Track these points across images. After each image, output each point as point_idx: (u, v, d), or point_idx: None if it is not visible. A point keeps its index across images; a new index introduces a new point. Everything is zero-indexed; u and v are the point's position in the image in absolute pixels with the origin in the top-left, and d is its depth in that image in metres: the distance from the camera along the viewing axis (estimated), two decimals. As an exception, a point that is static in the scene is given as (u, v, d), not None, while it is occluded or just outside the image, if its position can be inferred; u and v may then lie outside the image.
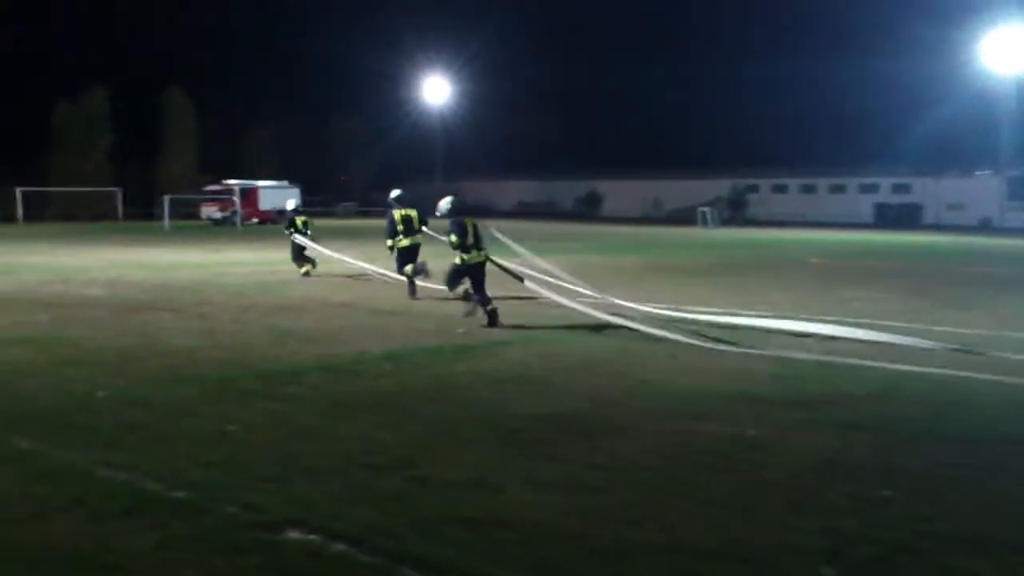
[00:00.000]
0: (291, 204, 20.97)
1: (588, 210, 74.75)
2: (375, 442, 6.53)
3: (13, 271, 20.04)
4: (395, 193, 16.48)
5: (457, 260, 13.02)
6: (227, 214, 57.27)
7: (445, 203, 13.63)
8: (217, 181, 61.50)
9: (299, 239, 19.66)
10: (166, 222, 53.74)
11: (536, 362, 9.68)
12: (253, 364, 9.40)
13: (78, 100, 70.67)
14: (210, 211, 58.60)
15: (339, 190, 77.89)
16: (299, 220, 19.89)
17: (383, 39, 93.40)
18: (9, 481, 5.54)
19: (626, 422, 7.24)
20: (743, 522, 5.08)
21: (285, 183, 62.61)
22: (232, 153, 75.71)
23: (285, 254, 22.04)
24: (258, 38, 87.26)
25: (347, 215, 71.67)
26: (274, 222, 58.22)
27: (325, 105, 79.98)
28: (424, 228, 16.25)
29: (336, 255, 19.91)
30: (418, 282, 15.60)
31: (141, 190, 68.22)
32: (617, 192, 76.13)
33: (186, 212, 60.25)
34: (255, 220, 58.02)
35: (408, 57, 75.99)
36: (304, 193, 63.70)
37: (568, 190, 79.40)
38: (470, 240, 12.93)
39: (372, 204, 78.83)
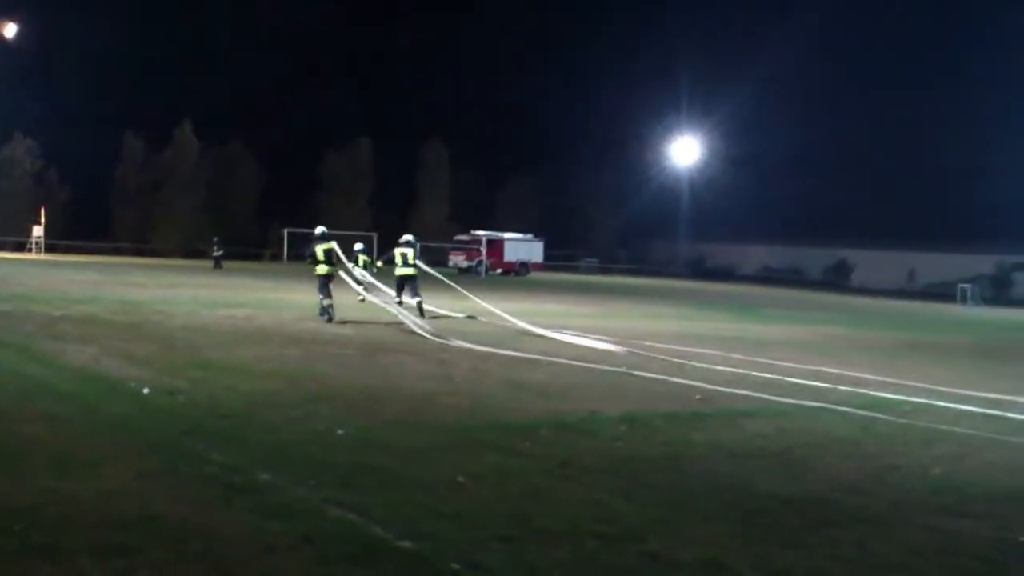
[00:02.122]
0: (358, 246, 24.72)
1: (836, 280, 71.79)
2: (607, 509, 6.22)
3: (274, 307, 21.29)
4: (319, 230, 20.05)
5: (316, 271, 18.94)
6: (473, 263, 59.05)
7: (316, 232, 19.87)
8: (467, 231, 63.65)
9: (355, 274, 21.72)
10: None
11: (776, 436, 9.09)
12: (488, 415, 9.34)
13: (346, 149, 75.65)
14: (457, 259, 60.65)
15: (583, 246, 78.70)
16: (363, 259, 23.96)
17: (633, 100, 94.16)
18: (246, 514, 5.62)
19: (874, 512, 6.58)
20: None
21: (530, 236, 63.97)
22: (483, 205, 78.41)
23: (524, 305, 22.32)
24: (511, 97, 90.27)
25: (589, 271, 72.14)
26: (517, 273, 59.54)
27: (573, 163, 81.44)
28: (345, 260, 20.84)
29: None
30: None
31: (395, 236, 71.63)
32: (868, 262, 72.72)
33: (434, 259, 62.65)
34: (499, 270, 59.49)
35: (657, 118, 76.21)
36: (548, 247, 64.92)
37: (816, 258, 76.69)
38: (321, 258, 18.96)
39: (615, 261, 79.17)
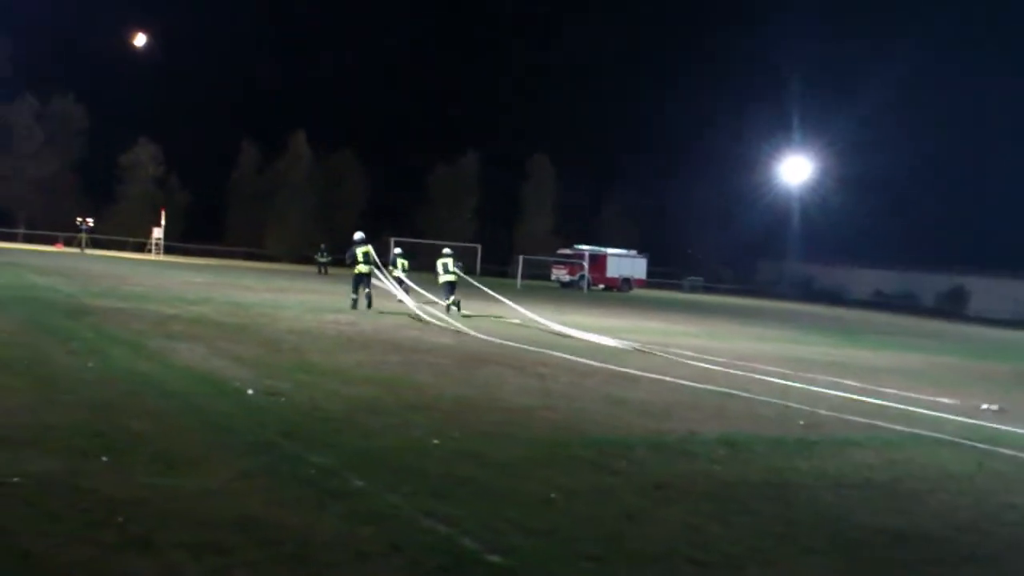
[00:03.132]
0: (397, 250, 27.72)
1: (951, 307, 69.23)
2: (703, 534, 6.04)
3: (375, 315, 21.54)
4: (359, 235, 23.45)
5: (355, 271, 22.68)
6: (575, 278, 58.87)
7: (356, 237, 23.29)
8: (569, 245, 63.50)
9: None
10: (518, 280, 56.25)
11: (885, 467, 8.75)
12: (584, 431, 9.22)
13: (453, 162, 76.53)
14: (559, 274, 60.54)
15: (687, 264, 77.73)
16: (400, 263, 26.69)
17: (743, 118, 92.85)
18: (339, 519, 5.64)
19: (989, 552, 6.28)
20: None
21: (633, 252, 63.46)
22: (586, 220, 78.21)
23: (627, 322, 22.17)
24: (621, 112, 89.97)
25: (693, 290, 71.16)
26: (620, 289, 59.13)
27: (680, 179, 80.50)
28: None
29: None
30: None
31: (499, 248, 72.26)
32: (987, 290, 69.95)
33: (537, 273, 62.64)
34: (601, 286, 59.16)
35: (767, 136, 74.81)
36: (651, 264, 64.32)
37: (930, 284, 74.16)
38: (360, 259, 22.63)
39: (720, 280, 78.01)
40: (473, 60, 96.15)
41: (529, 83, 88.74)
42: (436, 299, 24.18)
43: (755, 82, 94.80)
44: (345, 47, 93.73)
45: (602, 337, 19.73)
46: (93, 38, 65.73)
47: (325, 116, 77.59)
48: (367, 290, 22.64)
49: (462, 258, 71.29)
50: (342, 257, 26.99)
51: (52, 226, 60.66)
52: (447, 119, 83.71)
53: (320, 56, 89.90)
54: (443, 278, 24.22)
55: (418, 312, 21.79)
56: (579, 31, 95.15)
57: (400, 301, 23.36)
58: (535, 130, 79.45)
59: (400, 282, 25.38)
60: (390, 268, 25.72)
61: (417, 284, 25.71)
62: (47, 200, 65.44)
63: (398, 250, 27.57)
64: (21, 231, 63.40)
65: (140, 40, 57.39)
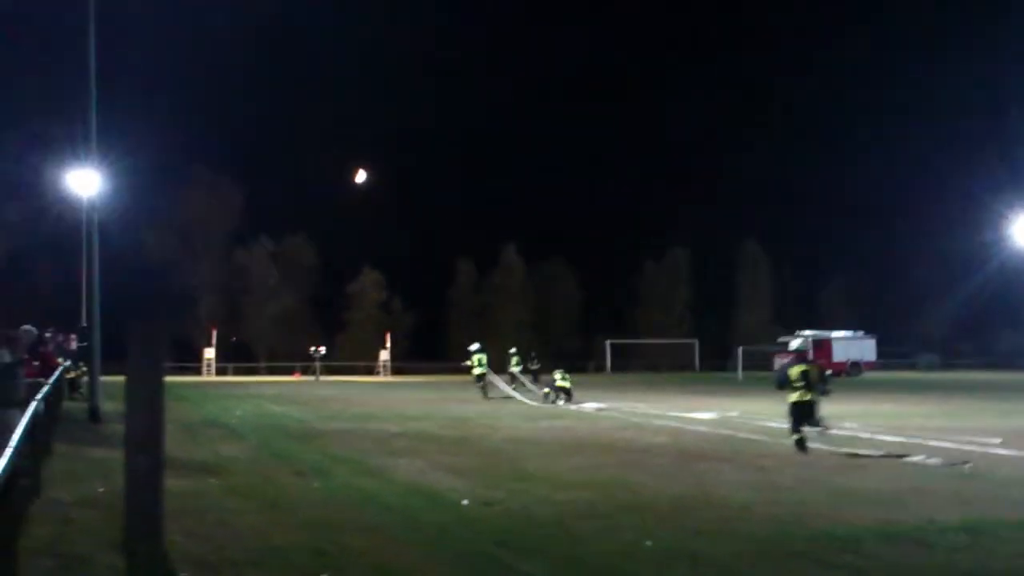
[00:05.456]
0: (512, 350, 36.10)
1: None
2: (940, 631, 5.54)
3: (590, 418, 21.49)
4: (475, 346, 32.61)
5: (473, 373, 31.46)
6: (799, 365, 56.68)
7: (471, 348, 31.82)
8: (791, 333, 61.46)
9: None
10: (739, 373, 54.93)
11: None
12: (807, 525, 8.72)
13: (662, 259, 76.54)
14: (782, 362, 58.45)
15: (920, 341, 73.38)
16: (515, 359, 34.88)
17: (962, 178, 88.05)
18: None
19: None
20: None
21: (860, 333, 60.69)
22: (805, 304, 75.78)
23: (856, 407, 21.19)
24: (827, 191, 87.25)
25: (928, 368, 67.02)
26: (848, 374, 56.47)
27: (900, 253, 76.68)
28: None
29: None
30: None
31: (716, 341, 70.89)
32: None
33: (759, 364, 60.89)
34: (828, 372, 56.70)
35: (993, 194, 70.28)
36: (880, 344, 61.20)
37: None
38: (474, 363, 31.84)
39: (958, 355, 73.05)
40: (673, 154, 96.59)
41: (734, 169, 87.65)
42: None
43: (976, 137, 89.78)
44: (547, 155, 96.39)
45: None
46: (318, 180, 70.78)
47: (533, 226, 79.58)
48: (482, 384, 30.54)
49: (677, 353, 70.84)
50: (561, 363, 29.74)
51: (289, 357, 64.70)
52: (653, 215, 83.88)
53: (525, 167, 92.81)
54: (513, 368, 32.39)
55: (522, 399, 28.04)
56: (774, 107, 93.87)
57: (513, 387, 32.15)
58: (743, 217, 78.19)
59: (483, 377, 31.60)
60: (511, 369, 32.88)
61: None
62: (283, 333, 70.19)
63: (513, 349, 35.98)
64: (262, 364, 67.92)
65: (360, 176, 61.35)
